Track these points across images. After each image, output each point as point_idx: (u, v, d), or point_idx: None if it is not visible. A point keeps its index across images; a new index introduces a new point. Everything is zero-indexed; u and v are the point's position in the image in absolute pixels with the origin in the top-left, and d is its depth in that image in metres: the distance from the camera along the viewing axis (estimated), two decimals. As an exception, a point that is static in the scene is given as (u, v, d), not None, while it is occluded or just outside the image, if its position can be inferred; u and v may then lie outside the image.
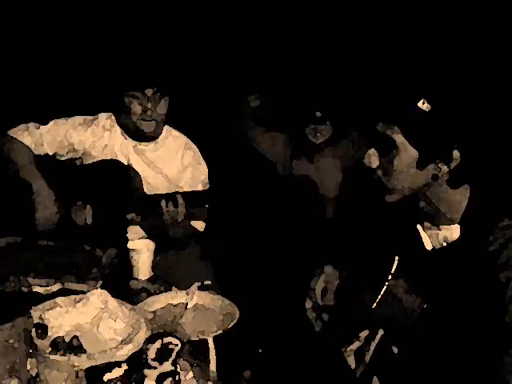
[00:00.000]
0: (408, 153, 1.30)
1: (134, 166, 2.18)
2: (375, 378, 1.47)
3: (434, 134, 1.29)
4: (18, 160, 2.12)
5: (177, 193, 1.96)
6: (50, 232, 2.06)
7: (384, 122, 1.31)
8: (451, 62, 3.32)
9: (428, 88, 1.31)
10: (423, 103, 1.27)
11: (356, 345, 1.53)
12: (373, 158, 1.35)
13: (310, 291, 1.43)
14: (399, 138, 1.30)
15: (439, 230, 1.39)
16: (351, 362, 1.52)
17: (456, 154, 1.31)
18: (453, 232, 1.37)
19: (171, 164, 2.25)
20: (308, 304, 1.45)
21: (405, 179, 1.33)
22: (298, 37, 3.83)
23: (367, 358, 1.49)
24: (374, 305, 1.29)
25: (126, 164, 2.18)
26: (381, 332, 1.48)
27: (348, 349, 1.53)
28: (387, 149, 1.32)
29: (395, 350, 1.44)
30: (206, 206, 2.15)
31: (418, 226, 1.46)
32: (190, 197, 1.97)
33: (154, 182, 2.21)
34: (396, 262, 1.32)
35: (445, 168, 1.32)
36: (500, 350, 1.22)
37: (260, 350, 1.54)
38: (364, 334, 1.53)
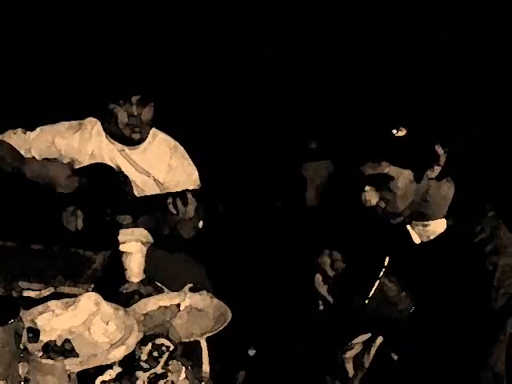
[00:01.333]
0: (403, 176, 1.31)
1: (122, 170, 2.18)
2: None
3: (419, 148, 1.30)
4: (7, 157, 2.12)
5: (187, 190, 1.96)
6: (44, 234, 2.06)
7: (372, 161, 1.30)
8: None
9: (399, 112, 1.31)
10: (398, 131, 1.28)
11: (354, 351, 1.52)
12: (370, 195, 1.34)
13: (318, 266, 1.42)
14: (391, 170, 1.30)
15: (426, 225, 1.41)
16: (349, 368, 1.52)
17: (440, 150, 1.32)
18: (439, 226, 1.38)
19: (159, 166, 2.25)
20: (317, 278, 1.44)
21: (407, 198, 1.33)
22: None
23: (366, 364, 1.49)
24: (366, 302, 1.30)
25: (114, 167, 2.18)
26: (380, 339, 1.48)
27: (346, 355, 1.53)
28: (381, 181, 1.32)
29: (395, 357, 1.44)
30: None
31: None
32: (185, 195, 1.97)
33: (142, 185, 2.21)
34: (387, 260, 1.33)
35: (438, 167, 1.33)
36: (489, 337, 1.23)
37: (249, 353, 1.54)
38: (362, 339, 1.53)
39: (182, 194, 1.94)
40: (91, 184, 2.11)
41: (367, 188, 1.34)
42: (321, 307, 1.44)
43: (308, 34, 3.91)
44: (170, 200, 1.93)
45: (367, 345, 1.50)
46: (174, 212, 1.93)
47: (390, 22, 3.78)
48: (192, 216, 1.95)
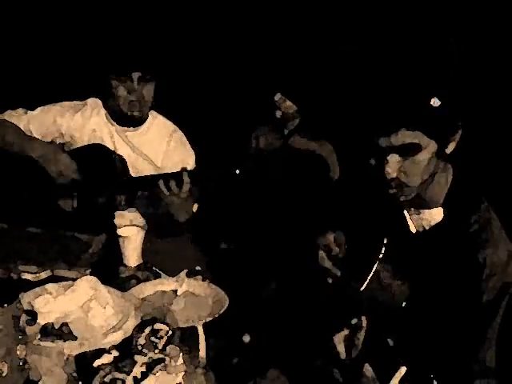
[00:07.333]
0: (430, 147, 1.28)
1: (120, 152, 2.17)
2: (367, 365, 1.48)
3: (444, 123, 1.28)
4: (10, 137, 2.10)
5: (184, 170, 1.93)
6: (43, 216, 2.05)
7: (406, 128, 1.26)
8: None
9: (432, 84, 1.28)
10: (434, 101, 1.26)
11: (345, 333, 1.54)
12: (393, 167, 1.29)
13: (321, 244, 1.43)
14: (423, 140, 1.27)
15: (423, 213, 1.41)
16: (341, 350, 1.53)
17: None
18: (435, 215, 1.39)
19: (157, 149, 2.25)
20: (322, 255, 1.43)
21: (426, 172, 1.31)
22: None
23: (357, 346, 1.50)
24: (362, 288, 1.31)
25: (111, 149, 2.17)
26: (366, 321, 1.49)
27: (336, 337, 1.54)
28: (406, 152, 1.28)
29: (391, 342, 1.45)
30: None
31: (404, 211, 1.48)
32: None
33: (140, 168, 2.20)
34: (384, 248, 1.33)
35: (453, 143, 1.32)
36: (480, 327, 1.25)
37: (244, 339, 1.54)
38: (354, 320, 1.54)
39: (176, 174, 1.93)
40: (87, 164, 2.10)
41: (392, 158, 1.29)
42: (329, 281, 1.44)
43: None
44: (162, 180, 1.91)
45: (357, 327, 1.51)
46: (167, 192, 1.92)
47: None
48: (185, 197, 1.93)
